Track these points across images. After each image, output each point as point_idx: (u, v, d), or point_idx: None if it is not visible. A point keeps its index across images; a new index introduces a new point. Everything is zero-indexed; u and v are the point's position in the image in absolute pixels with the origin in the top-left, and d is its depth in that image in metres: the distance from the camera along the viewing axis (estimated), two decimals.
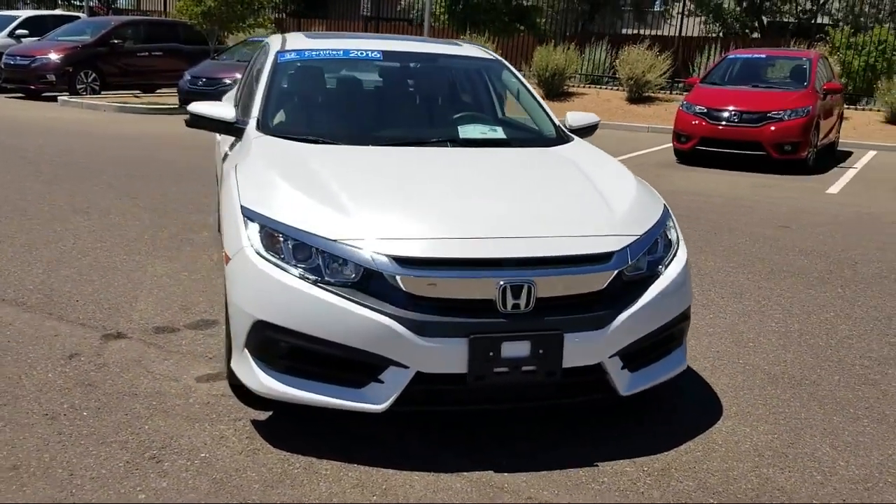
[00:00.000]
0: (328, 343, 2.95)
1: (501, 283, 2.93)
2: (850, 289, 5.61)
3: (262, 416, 3.36)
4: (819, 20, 32.49)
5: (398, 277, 2.91)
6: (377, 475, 2.93)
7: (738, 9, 31.55)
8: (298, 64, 4.55)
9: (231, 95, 6.24)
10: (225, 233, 3.38)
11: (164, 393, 3.55)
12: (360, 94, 4.66)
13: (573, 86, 19.49)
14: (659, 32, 30.25)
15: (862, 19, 25.10)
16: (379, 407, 2.95)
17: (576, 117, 4.57)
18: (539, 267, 3.01)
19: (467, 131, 4.29)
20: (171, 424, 3.27)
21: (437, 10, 23.75)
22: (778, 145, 10.86)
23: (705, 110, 11.18)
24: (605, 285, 3.09)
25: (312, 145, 3.83)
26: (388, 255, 2.94)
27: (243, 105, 4.77)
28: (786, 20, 32.61)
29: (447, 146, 4.02)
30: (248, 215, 3.20)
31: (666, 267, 3.30)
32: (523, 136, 4.33)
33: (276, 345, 3.04)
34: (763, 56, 12.92)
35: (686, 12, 32.00)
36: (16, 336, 4.10)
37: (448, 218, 3.15)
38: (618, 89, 19.13)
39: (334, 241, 3.01)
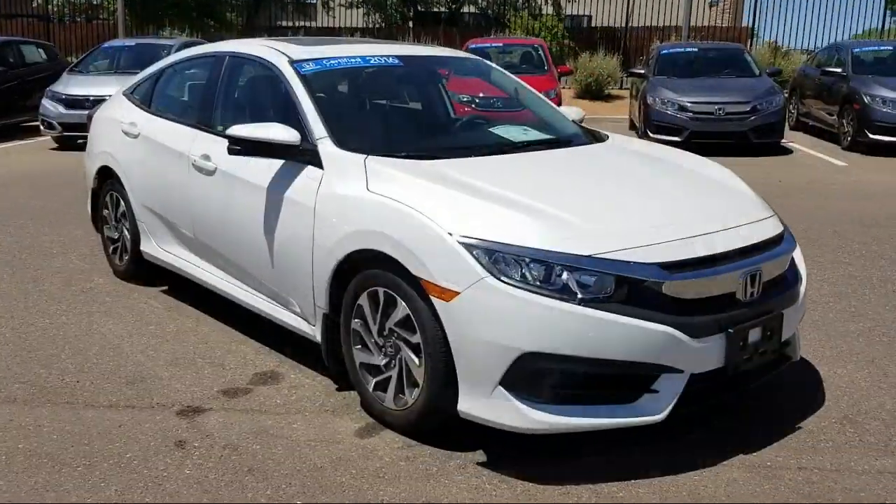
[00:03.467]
0: (603, 362, 2.83)
1: (743, 273, 3.04)
2: None
3: (480, 455, 3.10)
4: (467, 9, 35.34)
5: (663, 283, 2.88)
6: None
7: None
8: (323, 74, 4.08)
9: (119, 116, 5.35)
10: (432, 267, 2.95)
11: (343, 459, 3.09)
12: (404, 102, 4.34)
13: None
14: (323, 25, 30.75)
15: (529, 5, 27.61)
16: (658, 417, 2.91)
17: (570, 112, 4.70)
18: (758, 253, 3.17)
19: (514, 133, 4.21)
20: (402, 490, 2.88)
21: (108, 4, 21.80)
22: None
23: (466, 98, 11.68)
24: (787, 264, 3.35)
25: (430, 161, 3.51)
26: (653, 263, 2.89)
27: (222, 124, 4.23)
28: (436, 10, 34.93)
29: (533, 150, 3.92)
30: (467, 242, 2.91)
31: None
32: (569, 133, 4.35)
33: (546, 374, 2.83)
34: (500, 44, 13.85)
35: (347, 4, 32.94)
36: (82, 441, 3.25)
37: (659, 219, 3.16)
38: None
39: (588, 256, 2.87)
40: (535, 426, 2.85)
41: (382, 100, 4.45)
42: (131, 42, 14.10)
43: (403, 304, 3.12)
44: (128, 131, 5.06)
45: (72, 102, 11.90)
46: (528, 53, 13.39)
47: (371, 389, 3.37)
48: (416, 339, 3.10)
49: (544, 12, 28.08)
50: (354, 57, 4.26)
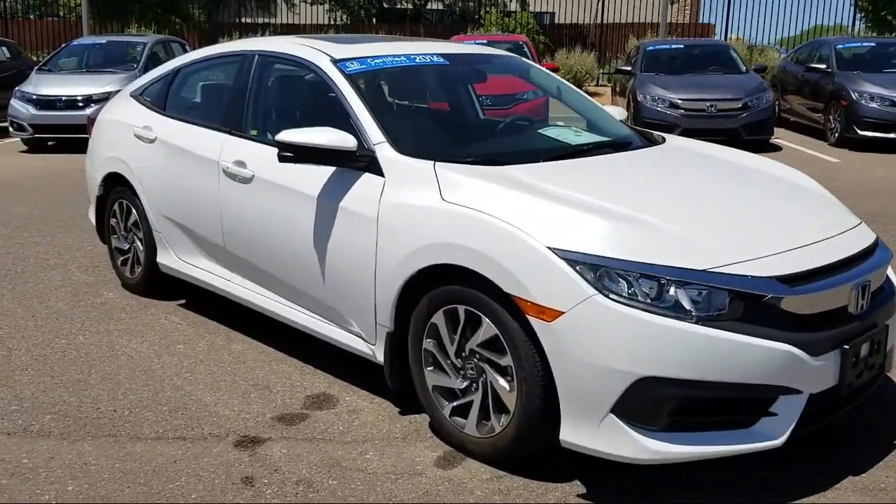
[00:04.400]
0: (723, 385, 2.63)
1: (854, 284, 2.86)
2: None
3: (578, 486, 2.88)
4: (432, 6, 35.11)
5: (783, 298, 2.68)
6: None
7: None
8: (369, 74, 3.82)
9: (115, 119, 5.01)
10: (529, 284, 2.70)
11: (431, 493, 2.84)
12: (455, 103, 4.09)
13: None
14: (286, 22, 30.28)
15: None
16: (777, 442, 2.71)
17: (615, 112, 4.51)
18: (863, 263, 3.00)
19: (567, 135, 3.99)
20: None
21: (71, 1, 21.12)
22: None
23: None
24: (886, 274, 3.18)
25: (502, 167, 3.27)
26: (771, 277, 2.69)
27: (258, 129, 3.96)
28: (401, 7, 34.65)
29: (597, 154, 3.69)
30: (570, 257, 2.68)
31: None
32: (623, 135, 4.13)
33: (663, 400, 2.61)
34: (485, 41, 13.61)
35: (310, 0, 32.51)
36: (138, 480, 2.95)
37: (764, 229, 2.97)
38: None
39: (702, 270, 2.67)
40: (651, 456, 2.64)
41: (433, 101, 4.19)
42: (101, 39, 13.61)
43: (490, 323, 2.89)
44: (141, 135, 4.73)
45: (43, 103, 11.41)
46: (513, 50, 13.18)
47: (447, 415, 3.13)
48: (506, 361, 2.87)
49: (509, 9, 28.00)
50: (399, 56, 4.00)
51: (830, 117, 12.14)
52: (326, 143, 3.34)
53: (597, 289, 2.62)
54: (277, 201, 3.75)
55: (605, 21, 25.97)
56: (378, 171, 3.35)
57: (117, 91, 11.35)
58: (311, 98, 3.99)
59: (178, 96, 4.80)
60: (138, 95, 5.03)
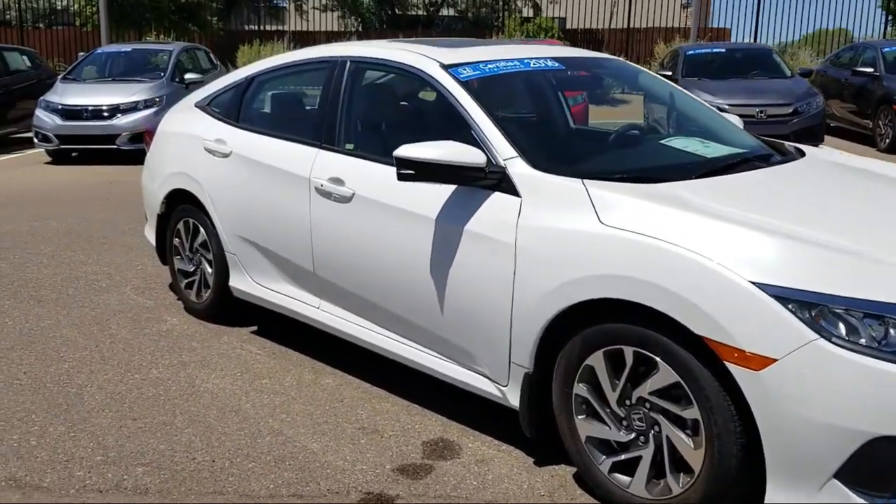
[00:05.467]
0: None
1: None
2: None
3: None
4: (445, 12, 34.85)
5: None
6: None
7: (371, 2, 32.49)
8: (485, 81, 3.44)
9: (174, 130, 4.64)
10: (729, 325, 2.33)
11: None
12: (584, 113, 3.70)
13: None
14: (297, 29, 29.97)
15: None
16: None
17: (734, 120, 4.12)
18: None
19: (696, 146, 3.59)
20: None
21: (87, 10, 20.80)
22: None
23: None
24: None
25: (662, 185, 2.88)
26: None
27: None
28: (413, 14, 34.38)
29: (752, 169, 3.29)
30: (781, 294, 2.29)
31: None
32: (754, 146, 3.73)
33: None
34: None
35: (322, 7, 32.27)
36: None
37: None
38: None
39: None
40: None
41: (554, 110, 3.81)
42: (126, 47, 13.24)
43: (668, 368, 2.50)
44: (213, 149, 4.35)
45: (69, 113, 11.06)
46: None
47: (605, 471, 2.73)
48: (691, 413, 2.48)
49: (523, 14, 27.68)
50: (512, 60, 3.62)
51: (880, 122, 11.76)
52: (453, 158, 2.96)
53: (817, 332, 2.23)
54: (384, 223, 3.36)
55: (614, 26, 25.70)
56: (511, 189, 2.97)
57: (145, 100, 11.17)
58: (419, 108, 3.63)
59: (254, 107, 4.42)
60: (205, 106, 4.65)
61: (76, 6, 21.43)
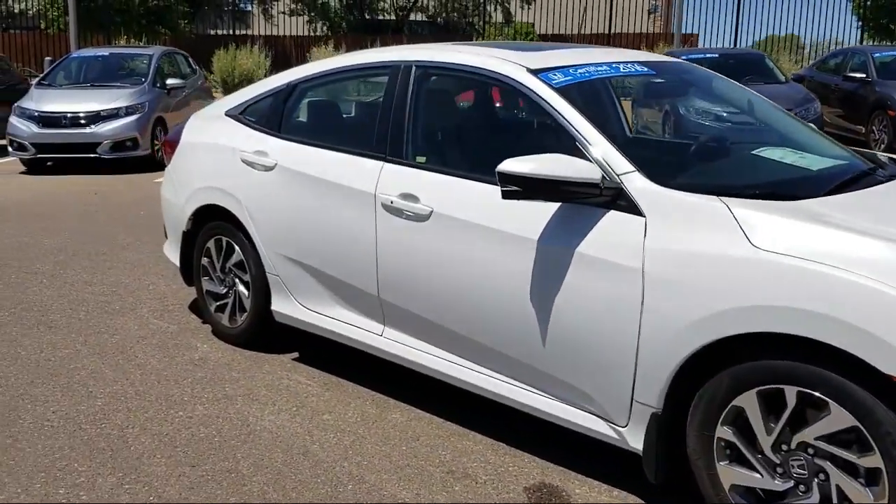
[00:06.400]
0: None
1: None
2: None
3: None
4: (415, 17, 34.64)
5: None
6: None
7: (340, 6, 32.19)
8: (578, 88, 3.14)
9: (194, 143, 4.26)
10: None
11: None
12: (677, 119, 3.42)
13: None
14: (264, 33, 29.47)
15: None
16: None
17: None
18: None
19: (793, 157, 3.33)
20: None
21: (51, 13, 20.13)
22: None
23: None
24: None
25: (803, 202, 2.60)
26: None
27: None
28: (382, 18, 34.08)
29: (873, 185, 3.02)
30: None
31: None
32: (846, 156, 3.47)
33: None
34: None
35: (289, 11, 31.85)
36: None
37: None
38: None
39: None
40: None
41: (657, 117, 3.53)
42: (103, 51, 12.70)
43: (844, 411, 2.23)
44: (253, 161, 3.99)
45: (46, 120, 10.53)
46: None
47: None
48: (871, 462, 2.21)
49: (494, 19, 27.56)
50: (600, 64, 3.33)
51: (874, 128, 11.73)
52: (565, 174, 2.66)
53: None
54: (471, 244, 3.05)
55: (584, 31, 25.75)
56: (630, 207, 2.67)
57: (127, 107, 10.66)
58: (505, 117, 3.31)
59: (298, 115, 4.07)
60: (238, 115, 4.29)
61: (36, 9, 20.67)
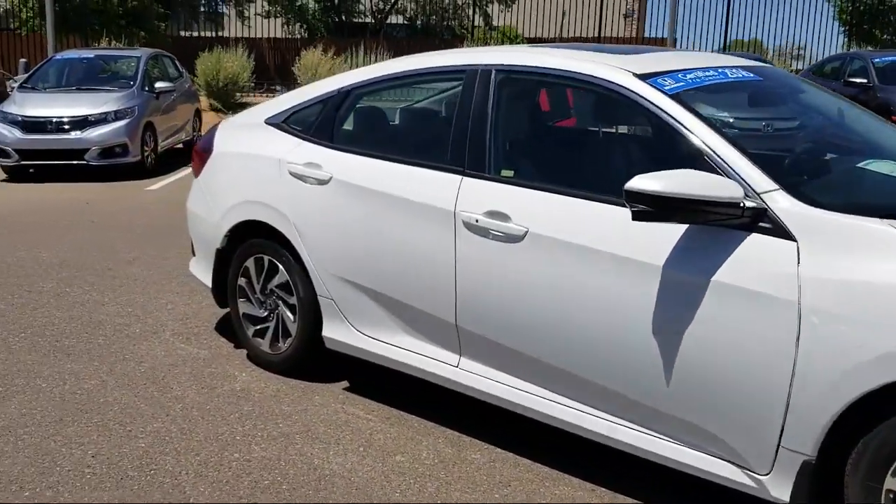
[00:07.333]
0: None
1: None
2: None
3: None
4: (393, 20, 34.32)
5: None
6: None
7: (317, 8, 31.80)
8: (695, 94, 2.85)
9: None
10: None
11: None
12: (796, 130, 3.15)
13: (246, 95, 17.37)
14: (239, 35, 28.97)
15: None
16: None
17: None
18: None
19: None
20: None
21: (24, 13, 19.51)
22: None
23: None
24: None
25: None
26: None
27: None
28: (360, 21, 33.71)
29: None
30: None
31: None
32: None
33: None
34: None
35: (264, 13, 31.37)
36: None
37: None
38: None
39: None
40: None
41: (778, 128, 3.24)
42: (88, 53, 12.21)
43: None
44: (304, 174, 3.65)
45: (31, 125, 10.03)
46: None
47: None
48: None
49: (474, 23, 27.31)
50: (707, 69, 3.04)
51: None
52: (705, 192, 2.37)
53: None
54: (578, 269, 2.74)
55: (564, 35, 25.63)
56: (777, 230, 2.39)
57: (116, 111, 10.17)
58: (607, 127, 3.00)
59: (354, 124, 3.74)
60: (281, 123, 3.94)
61: (4, 8, 20.00)
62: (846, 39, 21.25)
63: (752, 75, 3.19)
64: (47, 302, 5.12)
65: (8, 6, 20.00)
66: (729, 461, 2.53)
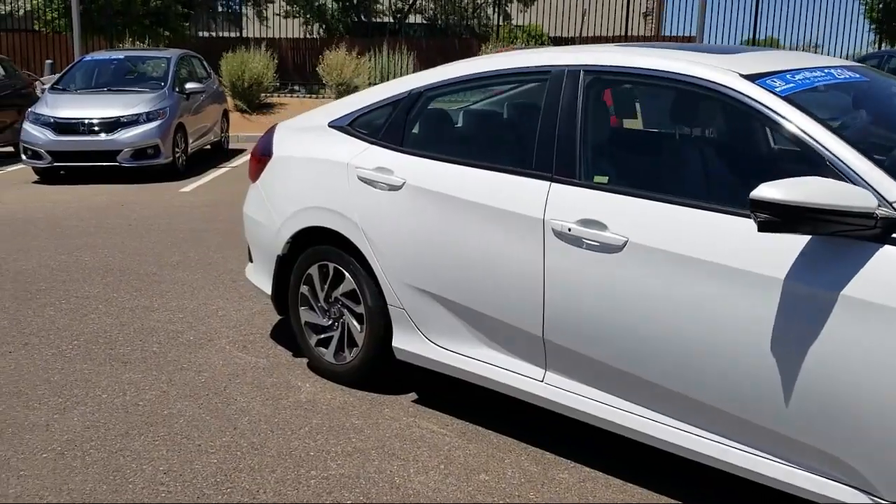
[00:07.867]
0: None
1: None
2: None
3: None
4: (413, 19, 34.24)
5: None
6: None
7: (337, 7, 31.76)
8: (804, 95, 2.69)
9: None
10: None
11: None
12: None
13: (270, 95, 17.27)
14: (259, 35, 28.94)
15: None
16: None
17: None
18: None
19: None
20: None
21: (47, 14, 19.51)
22: None
23: None
24: None
25: None
26: None
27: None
28: (379, 20, 33.64)
29: None
30: None
31: None
32: None
33: None
34: None
35: (283, 13, 31.36)
36: None
37: None
38: (319, 97, 17.49)
39: None
40: None
41: (883, 132, 3.08)
42: (118, 54, 12.14)
43: None
44: (374, 179, 3.52)
45: (63, 127, 9.97)
46: None
47: None
48: None
49: (493, 22, 27.16)
50: (814, 69, 2.89)
51: None
52: (837, 202, 2.22)
53: None
54: (685, 282, 2.58)
55: (585, 34, 25.42)
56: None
57: (148, 113, 10.06)
58: (712, 131, 2.84)
59: (427, 128, 3.61)
60: (346, 126, 3.81)
61: (26, 9, 19.99)
62: (875, 37, 20.94)
63: (858, 76, 3.03)
64: (96, 308, 5.01)
65: (30, 7, 19.97)
66: (850, 485, 2.37)
